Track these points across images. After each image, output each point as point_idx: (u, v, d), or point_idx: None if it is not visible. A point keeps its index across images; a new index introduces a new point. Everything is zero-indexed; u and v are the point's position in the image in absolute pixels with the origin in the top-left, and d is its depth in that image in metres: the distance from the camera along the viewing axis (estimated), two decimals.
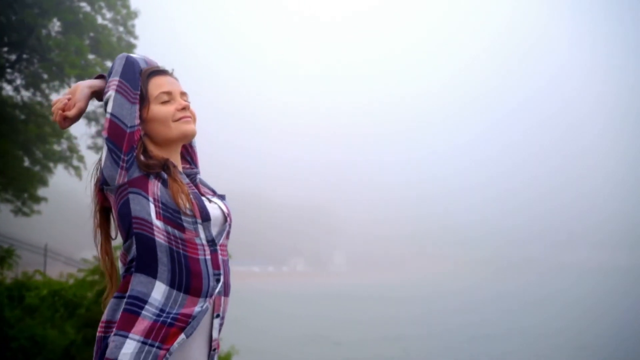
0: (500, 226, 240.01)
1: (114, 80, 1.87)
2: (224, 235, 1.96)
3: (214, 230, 1.91)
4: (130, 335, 1.75)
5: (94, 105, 14.62)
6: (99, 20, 14.78)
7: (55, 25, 14.43)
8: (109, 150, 1.83)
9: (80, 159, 14.78)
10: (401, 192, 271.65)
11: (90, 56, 14.45)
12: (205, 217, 1.87)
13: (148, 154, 1.92)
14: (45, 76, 14.78)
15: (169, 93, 1.96)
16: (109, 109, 1.85)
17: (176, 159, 2.01)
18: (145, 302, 1.78)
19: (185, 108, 1.97)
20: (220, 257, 1.90)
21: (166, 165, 1.90)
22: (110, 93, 1.86)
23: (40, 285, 10.08)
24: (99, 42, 14.30)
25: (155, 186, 1.84)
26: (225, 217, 1.98)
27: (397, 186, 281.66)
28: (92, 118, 14.44)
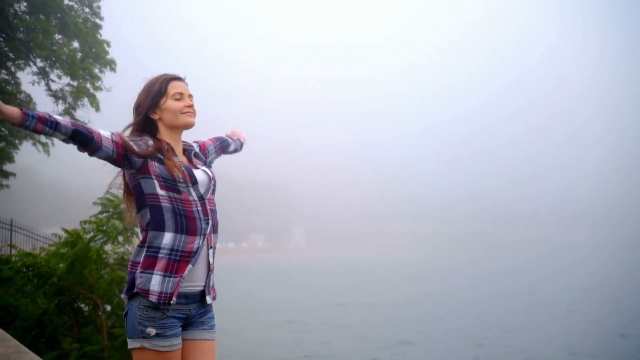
0: (468, 207, 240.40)
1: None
2: (210, 191, 2.76)
3: (202, 189, 2.70)
4: (154, 272, 2.57)
5: (61, 83, 14.98)
6: (66, 1, 15.08)
7: (22, 5, 14.66)
8: (113, 165, 2.62)
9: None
10: (362, 173, 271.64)
11: (57, 36, 14.77)
12: (194, 182, 2.67)
13: (157, 135, 2.73)
14: (12, 55, 15.04)
15: (181, 93, 2.78)
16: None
17: (178, 139, 2.81)
18: (160, 248, 2.58)
19: (190, 106, 2.80)
20: (208, 207, 2.71)
21: (161, 149, 2.66)
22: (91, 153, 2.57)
23: (13, 259, 10.50)
24: (66, 23, 14.60)
25: (154, 166, 2.61)
26: (210, 179, 2.78)
27: (358, 167, 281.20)
28: (60, 97, 14.77)
